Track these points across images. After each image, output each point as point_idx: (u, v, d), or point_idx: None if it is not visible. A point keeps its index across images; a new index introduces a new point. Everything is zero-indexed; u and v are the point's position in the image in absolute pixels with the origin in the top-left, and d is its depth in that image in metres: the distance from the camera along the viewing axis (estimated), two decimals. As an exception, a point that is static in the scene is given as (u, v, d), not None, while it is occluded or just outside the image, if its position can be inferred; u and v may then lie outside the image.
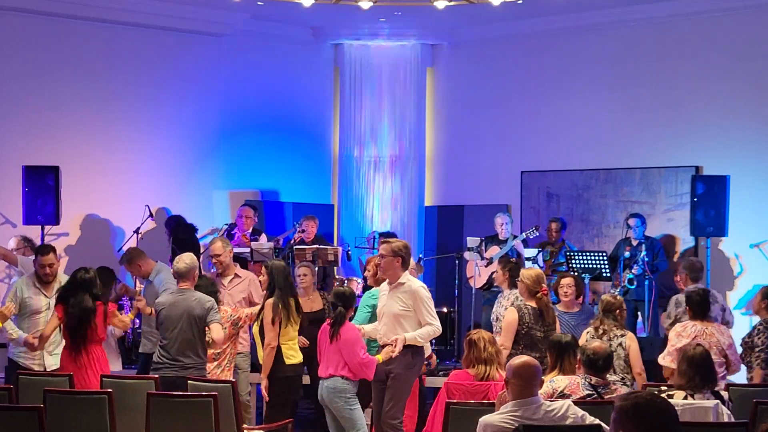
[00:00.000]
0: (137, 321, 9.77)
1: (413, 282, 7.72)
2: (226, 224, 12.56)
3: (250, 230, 12.46)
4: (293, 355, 8.03)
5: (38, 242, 10.55)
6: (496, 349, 7.30)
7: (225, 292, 8.92)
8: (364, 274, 9.38)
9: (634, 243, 11.58)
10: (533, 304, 8.06)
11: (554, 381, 6.52)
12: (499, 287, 9.60)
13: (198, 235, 12.74)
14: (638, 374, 7.92)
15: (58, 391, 7.07)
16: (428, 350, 8.55)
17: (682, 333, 8.07)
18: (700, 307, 8.19)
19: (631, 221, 11.68)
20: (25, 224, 11.56)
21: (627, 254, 11.46)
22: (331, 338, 7.55)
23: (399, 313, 7.59)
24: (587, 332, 8.10)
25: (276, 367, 7.94)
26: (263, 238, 12.49)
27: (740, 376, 8.88)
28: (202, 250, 11.81)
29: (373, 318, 8.26)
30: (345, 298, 7.68)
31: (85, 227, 12.51)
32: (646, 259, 11.26)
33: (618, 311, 8.16)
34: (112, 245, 12.62)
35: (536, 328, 7.92)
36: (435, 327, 7.62)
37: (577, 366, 6.71)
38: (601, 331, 8.00)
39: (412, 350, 7.60)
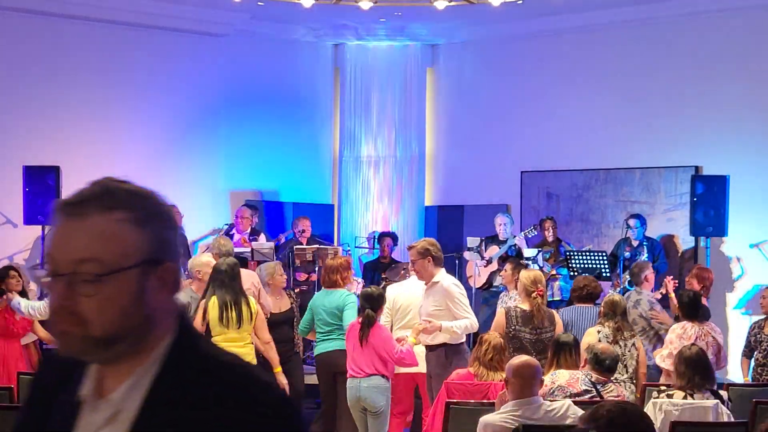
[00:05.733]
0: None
1: (444, 280, 7.66)
2: (226, 224, 12.56)
3: (248, 231, 12.44)
4: None
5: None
6: (500, 358, 7.02)
7: None
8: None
9: (635, 244, 11.55)
10: (527, 305, 7.79)
11: (555, 374, 6.50)
12: (500, 287, 9.58)
13: (199, 236, 12.75)
14: (643, 374, 7.95)
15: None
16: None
17: (683, 335, 8.05)
18: (690, 308, 8.22)
19: (631, 222, 11.61)
20: (25, 224, 11.56)
21: (627, 254, 11.43)
22: (361, 340, 7.46)
23: (432, 313, 7.55)
24: (597, 331, 7.87)
25: None
26: (262, 238, 12.47)
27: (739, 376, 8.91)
28: (204, 250, 11.79)
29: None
30: (373, 300, 7.56)
31: (86, 227, 12.50)
32: (647, 260, 11.22)
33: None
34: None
35: (524, 331, 7.69)
36: (471, 321, 7.59)
37: (582, 365, 6.70)
38: (615, 333, 7.89)
39: (446, 349, 7.57)
